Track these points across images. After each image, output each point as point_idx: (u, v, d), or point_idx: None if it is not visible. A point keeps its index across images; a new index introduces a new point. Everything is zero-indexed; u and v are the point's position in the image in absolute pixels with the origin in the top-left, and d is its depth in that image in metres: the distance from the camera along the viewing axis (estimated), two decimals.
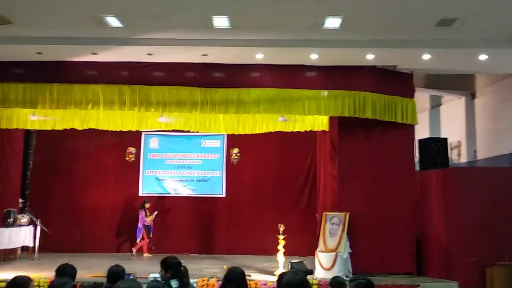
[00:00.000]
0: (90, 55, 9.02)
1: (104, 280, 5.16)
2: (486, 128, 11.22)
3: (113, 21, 7.70)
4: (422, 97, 13.01)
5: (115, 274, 4.89)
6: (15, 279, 4.12)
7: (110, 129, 11.07)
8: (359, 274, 7.53)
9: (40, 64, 9.16)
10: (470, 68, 9.94)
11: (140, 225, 12.20)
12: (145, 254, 11.96)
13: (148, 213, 12.27)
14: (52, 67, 9.17)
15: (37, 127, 11.17)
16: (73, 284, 3.52)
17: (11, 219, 10.80)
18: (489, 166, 10.43)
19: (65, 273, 4.63)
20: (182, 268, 4.82)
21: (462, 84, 11.61)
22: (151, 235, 12.25)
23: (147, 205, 12.35)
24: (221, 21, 7.66)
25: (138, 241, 12.18)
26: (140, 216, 12.22)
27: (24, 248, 11.31)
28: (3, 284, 7.67)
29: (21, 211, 11.68)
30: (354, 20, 7.57)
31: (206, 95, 9.19)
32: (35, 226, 11.22)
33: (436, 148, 10.14)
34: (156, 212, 12.39)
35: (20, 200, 12.03)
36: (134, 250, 12.11)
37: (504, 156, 10.43)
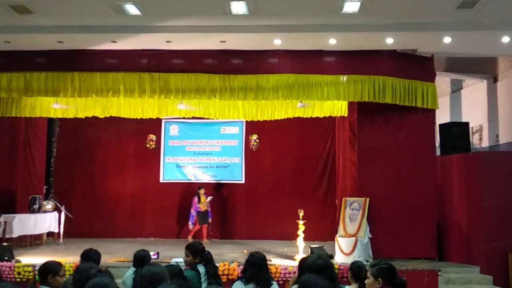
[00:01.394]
0: (110, 43, 9.10)
1: (127, 264, 5.26)
2: (508, 112, 11.03)
3: (132, 9, 7.74)
4: (443, 81, 12.83)
5: (141, 258, 5.00)
6: (46, 264, 4.22)
7: (130, 117, 11.23)
8: (379, 259, 7.55)
9: (61, 53, 9.29)
10: (492, 51, 9.75)
11: (192, 211, 12.17)
12: (204, 240, 11.70)
13: (202, 200, 12.19)
14: (73, 56, 9.29)
15: (59, 115, 11.38)
16: (98, 268, 3.59)
17: (37, 206, 11.05)
18: (511, 151, 10.27)
19: (90, 258, 4.74)
20: (206, 253, 4.88)
21: (483, 67, 11.40)
22: (209, 221, 12.21)
23: (201, 191, 12.26)
24: (238, 7, 7.64)
25: (190, 227, 12.17)
26: (193, 202, 12.22)
27: (50, 234, 11.57)
28: (30, 269, 7.91)
29: (46, 197, 11.93)
30: (373, 4, 7.48)
31: (225, 82, 9.21)
32: (60, 212, 11.45)
33: (457, 132, 10.01)
34: (210, 197, 12.30)
35: (45, 187, 12.27)
36: (189, 237, 11.82)
37: None
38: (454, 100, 12.80)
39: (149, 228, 12.83)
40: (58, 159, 13.08)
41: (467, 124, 10.53)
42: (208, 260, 4.86)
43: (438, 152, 10.22)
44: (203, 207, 12.19)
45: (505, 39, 8.65)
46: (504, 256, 8.50)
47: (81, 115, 11.09)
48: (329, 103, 10.55)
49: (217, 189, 13.16)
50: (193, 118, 12.09)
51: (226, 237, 12.71)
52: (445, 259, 9.38)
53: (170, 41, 8.96)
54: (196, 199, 12.25)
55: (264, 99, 9.58)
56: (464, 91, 12.56)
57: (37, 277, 7.05)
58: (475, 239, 8.94)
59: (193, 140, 13.38)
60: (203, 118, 11.92)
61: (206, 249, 4.92)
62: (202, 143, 13.37)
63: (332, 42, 8.84)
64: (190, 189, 13.11)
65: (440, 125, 10.42)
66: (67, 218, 11.60)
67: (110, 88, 9.27)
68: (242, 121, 12.86)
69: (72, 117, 11.21)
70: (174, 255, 8.44)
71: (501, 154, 9.68)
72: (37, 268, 7.65)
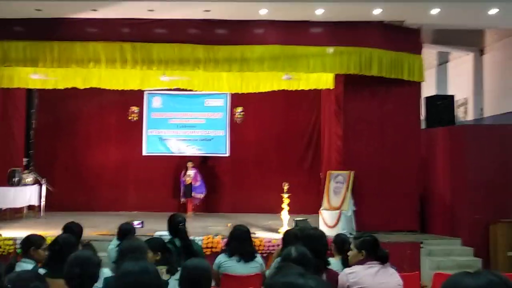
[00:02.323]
0: (90, 12, 8.80)
1: (109, 237, 5.21)
2: (493, 85, 11.05)
3: None
4: (429, 54, 12.75)
5: (126, 231, 4.95)
6: (29, 237, 4.16)
7: (112, 88, 10.95)
8: (362, 231, 7.56)
9: (39, 21, 8.97)
10: (479, 23, 9.69)
11: (182, 185, 12.31)
12: (188, 213, 11.78)
13: (186, 173, 12.23)
14: (52, 25, 8.99)
15: (38, 86, 11.06)
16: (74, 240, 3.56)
17: (16, 179, 10.84)
18: (495, 124, 10.32)
19: (71, 231, 4.66)
20: (180, 227, 4.80)
21: (470, 40, 11.35)
22: (192, 194, 12.20)
23: (188, 165, 12.27)
24: None
25: (182, 201, 12.35)
26: (180, 175, 12.33)
27: (31, 208, 11.41)
28: (11, 242, 7.78)
29: (26, 170, 11.72)
30: None
31: (209, 53, 9.02)
32: (40, 185, 11.28)
33: (442, 105, 10.02)
34: (192, 171, 12.25)
35: (24, 160, 12.05)
36: (189, 212, 11.94)
37: (511, 114, 10.30)
38: (440, 73, 12.78)
39: (132, 201, 12.73)
40: (38, 131, 12.81)
41: (452, 97, 10.53)
42: (182, 235, 4.78)
43: (423, 125, 10.23)
44: (187, 180, 12.16)
45: (493, 11, 8.58)
46: (486, 228, 8.61)
47: (60, 86, 10.78)
48: (315, 75, 10.43)
49: (202, 163, 13.07)
50: (177, 90, 11.89)
51: (210, 210, 12.67)
52: (427, 231, 9.47)
53: (152, 10, 8.70)
54: (182, 172, 12.27)
55: (249, 70, 9.43)
56: (451, 64, 12.53)
57: (18, 250, 6.99)
58: (458, 211, 9.03)
59: (176, 113, 13.20)
60: (187, 90, 11.71)
61: (181, 224, 4.81)
62: (186, 116, 13.20)
63: (319, 12, 8.67)
64: (173, 163, 13.01)
65: (426, 98, 10.41)
66: (48, 191, 11.43)
67: (91, 58, 9.01)
68: (227, 94, 12.71)
69: (51, 88, 10.89)
70: (158, 228, 8.38)
71: (485, 128, 9.73)
72: (17, 241, 7.58)
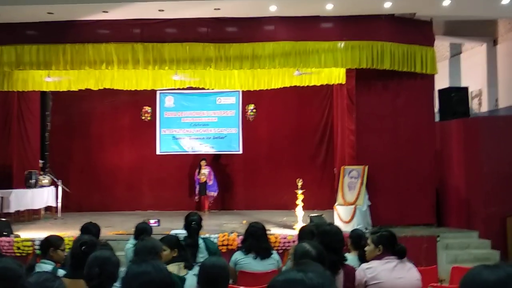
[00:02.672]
0: (101, 14, 8.85)
1: (126, 237, 5.27)
2: (508, 76, 10.90)
3: None
4: (441, 46, 12.63)
5: (143, 230, 5.00)
6: (48, 238, 4.22)
7: (125, 89, 11.04)
8: (379, 226, 7.54)
9: (51, 25, 9.05)
10: (492, 13, 9.57)
11: (196, 183, 12.44)
12: (204, 211, 12.00)
13: (201, 171, 12.36)
14: (64, 27, 9.07)
15: (52, 89, 11.17)
16: (84, 240, 3.58)
17: (33, 180, 10.97)
18: (510, 115, 10.19)
19: (89, 231, 4.72)
20: (192, 226, 4.86)
21: (483, 30, 11.20)
22: (207, 193, 12.35)
23: (202, 163, 12.42)
24: None
25: (196, 199, 12.54)
26: (195, 174, 12.46)
27: (48, 209, 11.55)
28: (30, 243, 7.88)
29: (42, 172, 11.86)
30: None
31: (220, 51, 9.04)
32: (57, 187, 11.40)
33: (456, 97, 9.91)
34: (206, 169, 12.38)
35: (40, 162, 12.19)
36: (205, 210, 12.17)
37: None
38: (453, 65, 12.64)
39: (147, 200, 12.83)
40: (52, 133, 12.95)
41: (466, 89, 10.42)
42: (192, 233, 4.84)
43: (437, 118, 10.14)
44: (202, 178, 12.23)
45: (505, 1, 8.45)
46: (503, 221, 8.53)
47: (74, 87, 10.89)
48: (326, 70, 10.39)
49: (215, 160, 13.11)
50: (189, 88, 11.93)
51: (225, 208, 12.73)
52: (444, 224, 9.41)
53: (162, 10, 8.72)
54: (197, 170, 12.38)
55: (261, 67, 9.43)
56: (463, 55, 12.39)
57: (37, 251, 7.08)
58: (474, 204, 8.95)
59: (189, 111, 13.24)
60: (199, 89, 11.75)
61: (194, 223, 4.88)
62: (198, 114, 13.24)
63: (329, 7, 8.63)
64: (187, 161, 13.07)
65: (439, 91, 10.31)
66: (64, 192, 11.56)
67: (103, 59, 9.08)
68: (239, 91, 12.70)
69: (65, 90, 11.00)
70: (173, 226, 8.42)
71: (500, 119, 9.62)
72: (36, 242, 7.68)
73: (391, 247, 3.85)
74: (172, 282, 2.20)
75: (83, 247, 3.36)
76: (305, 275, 1.41)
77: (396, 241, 3.88)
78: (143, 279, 2.10)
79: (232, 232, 8.22)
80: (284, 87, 11.22)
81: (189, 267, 3.87)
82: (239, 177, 13.08)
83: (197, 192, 12.44)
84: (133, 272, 2.12)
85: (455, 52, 12.66)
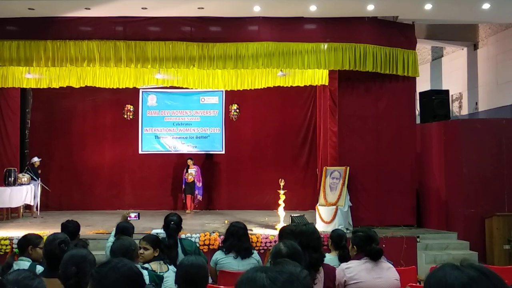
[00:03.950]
0: (83, 10, 8.78)
1: (106, 236, 5.22)
2: (488, 79, 11.09)
3: None
4: (423, 49, 12.81)
5: (123, 229, 4.95)
6: (26, 236, 4.18)
7: (107, 87, 10.93)
8: (360, 226, 7.60)
9: (32, 21, 8.95)
10: (473, 17, 9.72)
11: (183, 183, 12.27)
12: (187, 211, 11.94)
13: (188, 170, 12.19)
14: (45, 24, 8.98)
15: (33, 86, 11.01)
16: (62, 239, 3.49)
17: (12, 178, 10.80)
18: (490, 118, 10.36)
19: (68, 229, 4.67)
20: (171, 226, 4.86)
21: (464, 34, 11.38)
22: (195, 194, 12.17)
23: (189, 162, 12.25)
24: None
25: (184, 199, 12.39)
26: (183, 173, 12.30)
27: (27, 207, 11.39)
28: (8, 242, 7.77)
29: (21, 170, 11.68)
30: None
31: (204, 50, 9.02)
32: (36, 185, 11.24)
33: (437, 100, 10.04)
34: (194, 169, 12.22)
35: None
36: (188, 210, 12.04)
37: (506, 108, 10.35)
38: (435, 68, 12.82)
39: (128, 199, 12.72)
40: (32, 130, 12.76)
41: (447, 92, 10.57)
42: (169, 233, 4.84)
43: (418, 120, 10.26)
44: (189, 178, 12.12)
45: (486, 6, 8.59)
46: (481, 222, 8.65)
47: (55, 85, 10.74)
48: (310, 71, 10.44)
49: (197, 160, 13.05)
50: (172, 87, 11.87)
51: (208, 207, 12.70)
52: (423, 225, 9.52)
53: (146, 8, 8.69)
54: (184, 170, 12.26)
55: (244, 67, 9.45)
56: (445, 59, 12.57)
57: (16, 249, 6.98)
58: (453, 205, 9.07)
59: (172, 111, 13.17)
60: (182, 88, 11.70)
61: (172, 223, 4.86)
62: (181, 114, 13.18)
63: (313, 9, 8.67)
64: (169, 160, 13.00)
65: (420, 93, 10.44)
66: (44, 190, 11.41)
67: (85, 56, 9.00)
68: (222, 91, 12.69)
69: (46, 87, 10.85)
70: (154, 226, 8.38)
71: (480, 122, 9.75)
72: (14, 241, 7.57)
73: (364, 248, 3.85)
74: (138, 273, 2.20)
75: (61, 245, 3.30)
76: (266, 275, 1.41)
77: (373, 242, 3.87)
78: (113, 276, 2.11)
79: (213, 232, 8.20)
80: (267, 88, 11.24)
81: (169, 263, 3.91)
82: (222, 177, 13.06)
83: (183, 191, 12.30)
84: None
85: (437, 56, 12.83)
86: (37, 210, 11.20)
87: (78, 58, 9.01)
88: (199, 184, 12.22)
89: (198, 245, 7.70)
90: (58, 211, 11.53)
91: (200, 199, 12.36)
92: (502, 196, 8.73)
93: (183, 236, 5.12)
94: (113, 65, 9.23)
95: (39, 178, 11.30)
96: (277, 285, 1.39)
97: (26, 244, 4.07)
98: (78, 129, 12.86)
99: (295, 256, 3.08)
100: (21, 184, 11.03)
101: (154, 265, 3.95)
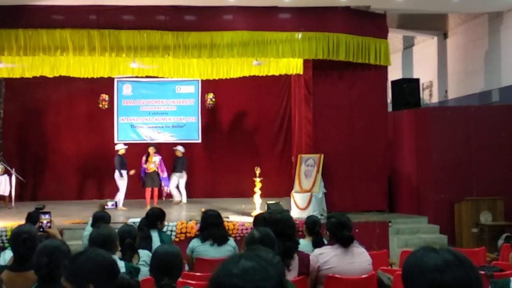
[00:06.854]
0: None
1: (82, 226, 5.23)
2: (457, 68, 11.36)
3: None
4: (395, 38, 13.01)
5: (100, 218, 4.98)
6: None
7: (81, 76, 10.83)
8: (334, 212, 7.78)
9: (3, 9, 8.76)
10: (443, 7, 9.94)
11: (142, 173, 11.01)
12: (155, 204, 10.50)
13: (150, 159, 10.91)
14: (16, 12, 8.82)
15: (5, 75, 10.83)
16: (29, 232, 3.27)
17: None
18: (459, 106, 10.65)
19: (32, 219, 4.68)
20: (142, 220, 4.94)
21: (434, 24, 11.62)
22: (162, 185, 11.12)
23: (151, 150, 10.99)
24: None
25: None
26: (141, 162, 11.06)
27: (1, 198, 11.25)
28: None
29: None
30: None
31: (178, 39, 9.01)
32: (10, 176, 11.12)
33: (408, 88, 10.26)
34: (158, 157, 11.05)
35: None
36: (148, 205, 10.39)
37: (474, 95, 10.65)
38: (406, 57, 13.06)
39: (105, 189, 12.65)
40: (6, 121, 12.55)
41: (417, 80, 10.80)
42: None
43: (390, 108, 10.48)
44: (150, 168, 10.96)
45: None
46: (451, 207, 8.95)
47: (28, 74, 10.59)
48: (284, 60, 10.54)
49: (173, 149, 13.04)
50: (147, 77, 11.81)
51: None
52: (395, 211, 9.78)
53: None
54: (143, 159, 11.05)
55: (219, 57, 9.47)
56: (416, 48, 12.81)
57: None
58: (423, 191, 9.34)
59: (147, 100, 13.12)
60: (158, 77, 11.66)
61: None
62: (157, 103, 13.14)
63: None
64: (145, 150, 12.89)
65: (392, 82, 10.65)
66: (19, 181, 11.29)
67: (58, 45, 8.87)
68: (198, 80, 12.68)
69: (18, 77, 10.70)
70: (131, 215, 8.43)
71: (449, 109, 10.03)
72: None
73: (335, 234, 3.96)
74: (112, 262, 2.28)
75: (26, 242, 3.10)
76: (235, 264, 1.37)
77: (345, 228, 3.95)
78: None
79: (190, 220, 8.29)
80: (243, 77, 11.30)
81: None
82: (198, 166, 13.08)
83: (143, 183, 10.96)
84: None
85: (408, 45, 13.07)
86: (10, 201, 11.09)
87: (51, 47, 8.88)
88: (163, 175, 11.08)
89: (175, 233, 7.84)
90: (33, 201, 11.40)
91: (168, 191, 11.55)
92: (471, 181, 9.01)
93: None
94: (87, 54, 9.15)
95: (13, 169, 11.17)
96: (250, 273, 1.35)
97: None
98: (53, 119, 12.71)
99: (268, 241, 3.20)
100: None
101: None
